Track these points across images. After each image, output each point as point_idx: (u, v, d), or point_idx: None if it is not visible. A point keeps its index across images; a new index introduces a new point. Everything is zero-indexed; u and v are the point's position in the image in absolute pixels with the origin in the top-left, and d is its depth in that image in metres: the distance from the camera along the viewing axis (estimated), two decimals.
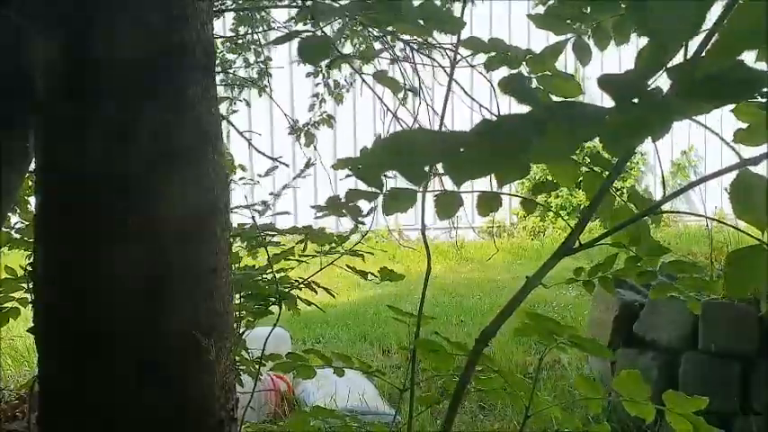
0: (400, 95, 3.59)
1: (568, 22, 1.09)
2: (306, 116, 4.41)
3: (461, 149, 0.64)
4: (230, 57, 4.23)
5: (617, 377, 1.21)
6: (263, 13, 3.93)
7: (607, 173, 1.06)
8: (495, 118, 0.65)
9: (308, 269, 2.07)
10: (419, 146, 0.65)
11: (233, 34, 4.10)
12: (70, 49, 1.10)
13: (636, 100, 0.62)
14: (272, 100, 4.24)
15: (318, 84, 4.41)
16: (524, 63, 1.19)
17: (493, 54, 1.19)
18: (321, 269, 1.96)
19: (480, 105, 2.82)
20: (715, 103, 0.60)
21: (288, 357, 1.61)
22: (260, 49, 4.21)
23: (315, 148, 4.24)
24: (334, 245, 1.84)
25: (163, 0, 1.11)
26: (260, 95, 4.52)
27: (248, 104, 4.61)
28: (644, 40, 0.70)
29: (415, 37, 3.16)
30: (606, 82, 0.62)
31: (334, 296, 2.04)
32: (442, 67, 3.20)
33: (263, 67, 4.32)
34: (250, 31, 4.05)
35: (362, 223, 1.79)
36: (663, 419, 1.22)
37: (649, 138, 0.64)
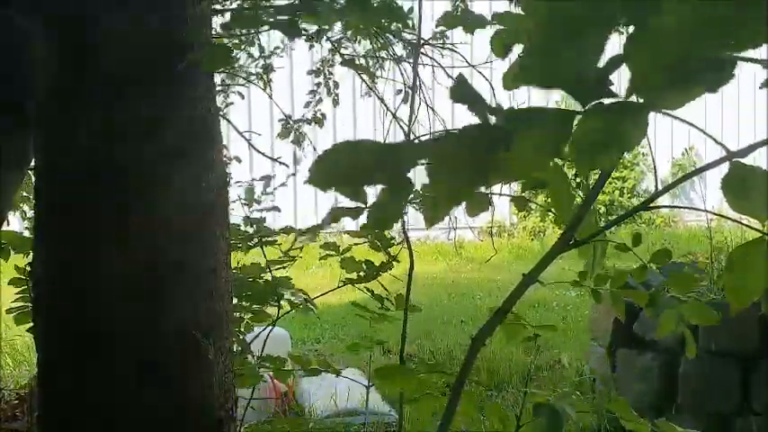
0: (400, 96, 3.60)
1: None
2: (303, 115, 4.39)
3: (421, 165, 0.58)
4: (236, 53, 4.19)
5: (611, 401, 1.23)
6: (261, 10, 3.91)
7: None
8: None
9: (312, 274, 2.06)
10: (359, 162, 0.59)
11: (233, 31, 4.08)
12: (70, 49, 1.10)
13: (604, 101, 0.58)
14: (273, 101, 4.23)
15: (320, 83, 4.37)
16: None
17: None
18: (337, 287, 1.95)
19: None
20: (685, 96, 0.57)
21: (289, 360, 1.61)
22: (262, 44, 4.17)
23: (315, 149, 4.23)
24: (362, 273, 1.82)
25: (162, 1, 1.11)
26: (264, 89, 4.48)
27: (242, 97, 4.56)
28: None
29: (415, 37, 3.16)
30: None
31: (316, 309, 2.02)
32: (442, 67, 3.20)
33: (267, 62, 4.28)
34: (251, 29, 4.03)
35: (395, 259, 1.78)
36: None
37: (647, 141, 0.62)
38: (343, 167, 0.60)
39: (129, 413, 1.12)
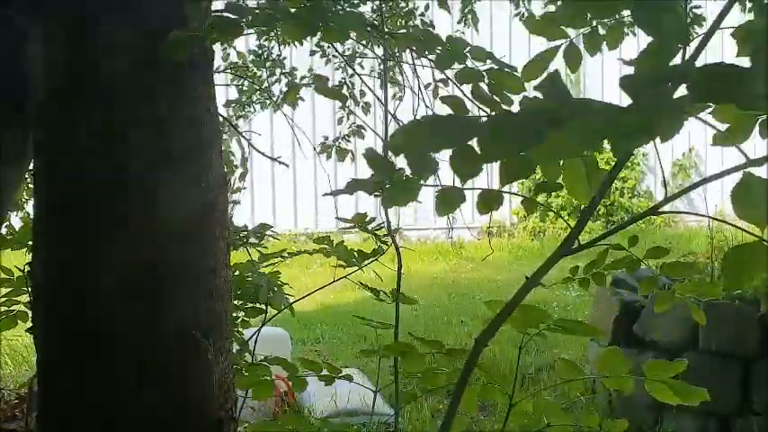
0: (398, 96, 3.60)
1: (562, 27, 1.08)
2: (304, 121, 4.37)
3: (474, 138, 0.65)
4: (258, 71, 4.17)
5: (599, 357, 1.21)
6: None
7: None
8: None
9: (312, 274, 2.06)
10: (430, 132, 0.67)
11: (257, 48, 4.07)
12: (70, 49, 1.10)
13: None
14: (278, 107, 4.22)
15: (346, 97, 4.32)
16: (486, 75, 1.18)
17: (463, 67, 1.19)
18: (333, 282, 1.95)
19: (479, 107, 2.81)
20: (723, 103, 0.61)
21: (271, 362, 1.60)
22: (283, 61, 4.15)
23: (314, 149, 4.23)
24: (354, 261, 1.82)
25: (162, 1, 1.11)
26: (294, 108, 4.46)
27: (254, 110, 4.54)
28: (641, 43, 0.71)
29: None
30: (628, 83, 0.62)
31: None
32: (441, 70, 3.20)
33: (290, 78, 4.25)
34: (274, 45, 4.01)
35: (385, 243, 1.79)
36: (662, 422, 1.21)
37: (658, 138, 0.65)
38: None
39: (129, 413, 1.12)
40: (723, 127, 0.81)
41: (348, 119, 4.31)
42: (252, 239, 1.93)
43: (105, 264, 1.11)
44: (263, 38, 4.02)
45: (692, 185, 0.88)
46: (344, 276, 1.87)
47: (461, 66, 1.15)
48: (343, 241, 1.89)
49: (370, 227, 1.78)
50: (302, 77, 4.24)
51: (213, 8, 1.22)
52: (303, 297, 1.99)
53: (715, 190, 4.85)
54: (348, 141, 4.33)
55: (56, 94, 1.12)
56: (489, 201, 0.97)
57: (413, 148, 0.69)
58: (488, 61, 1.16)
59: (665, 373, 1.13)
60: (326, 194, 1.07)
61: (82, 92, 1.10)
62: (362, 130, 4.27)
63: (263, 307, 1.86)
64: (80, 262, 1.12)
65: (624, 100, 0.65)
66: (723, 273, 0.74)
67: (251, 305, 1.86)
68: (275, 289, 1.86)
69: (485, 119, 0.67)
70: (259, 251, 1.92)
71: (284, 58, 4.18)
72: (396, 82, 3.79)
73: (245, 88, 4.19)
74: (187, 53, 1.12)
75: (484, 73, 1.14)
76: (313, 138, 4.60)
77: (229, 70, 4.11)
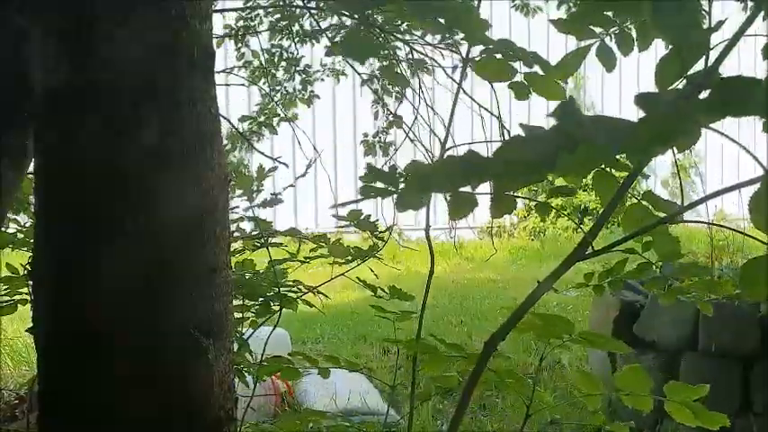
0: (397, 97, 3.59)
1: (591, 27, 1.08)
2: (303, 120, 4.35)
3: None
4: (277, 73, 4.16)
5: (619, 372, 1.21)
6: (296, 26, 3.87)
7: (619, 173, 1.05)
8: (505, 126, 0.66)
9: (312, 274, 2.07)
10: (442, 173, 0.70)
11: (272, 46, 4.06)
12: (70, 48, 1.10)
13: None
14: (277, 106, 4.21)
15: (377, 89, 4.31)
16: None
17: (494, 57, 1.18)
18: (331, 279, 1.95)
19: (480, 106, 2.81)
20: (740, 116, 0.61)
21: (272, 361, 1.62)
22: (296, 58, 4.13)
23: (314, 148, 4.23)
24: (350, 258, 1.82)
25: (163, 1, 1.11)
26: (308, 106, 4.45)
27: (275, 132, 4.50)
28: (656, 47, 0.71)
29: (417, 37, 3.16)
30: (643, 101, 0.62)
31: (329, 298, 2.04)
32: (443, 68, 3.20)
33: (305, 76, 4.24)
34: (289, 43, 4.01)
35: (381, 239, 1.80)
36: (662, 422, 1.21)
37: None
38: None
39: (128, 413, 1.12)
40: (724, 128, 0.80)
41: (384, 111, 4.30)
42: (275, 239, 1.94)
43: (105, 264, 1.11)
44: (278, 37, 4.01)
45: (709, 195, 0.87)
46: (342, 274, 1.88)
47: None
48: (340, 239, 1.89)
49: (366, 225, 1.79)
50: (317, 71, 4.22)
51: (213, 8, 1.22)
52: (303, 294, 1.99)
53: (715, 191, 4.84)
54: (387, 134, 4.33)
55: (56, 94, 1.12)
56: (502, 205, 0.97)
57: (428, 189, 0.71)
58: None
59: (687, 396, 1.13)
60: (336, 206, 1.07)
61: (82, 92, 1.10)
62: (400, 119, 4.24)
63: (275, 308, 1.87)
64: (80, 262, 1.12)
65: (624, 101, 0.65)
66: (741, 284, 0.74)
67: (257, 306, 1.87)
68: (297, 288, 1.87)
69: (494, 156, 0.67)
70: (288, 252, 1.93)
71: (302, 57, 4.17)
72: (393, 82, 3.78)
73: (264, 103, 4.18)
74: (188, 53, 1.12)
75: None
76: (313, 137, 4.59)
77: (244, 71, 4.10)
